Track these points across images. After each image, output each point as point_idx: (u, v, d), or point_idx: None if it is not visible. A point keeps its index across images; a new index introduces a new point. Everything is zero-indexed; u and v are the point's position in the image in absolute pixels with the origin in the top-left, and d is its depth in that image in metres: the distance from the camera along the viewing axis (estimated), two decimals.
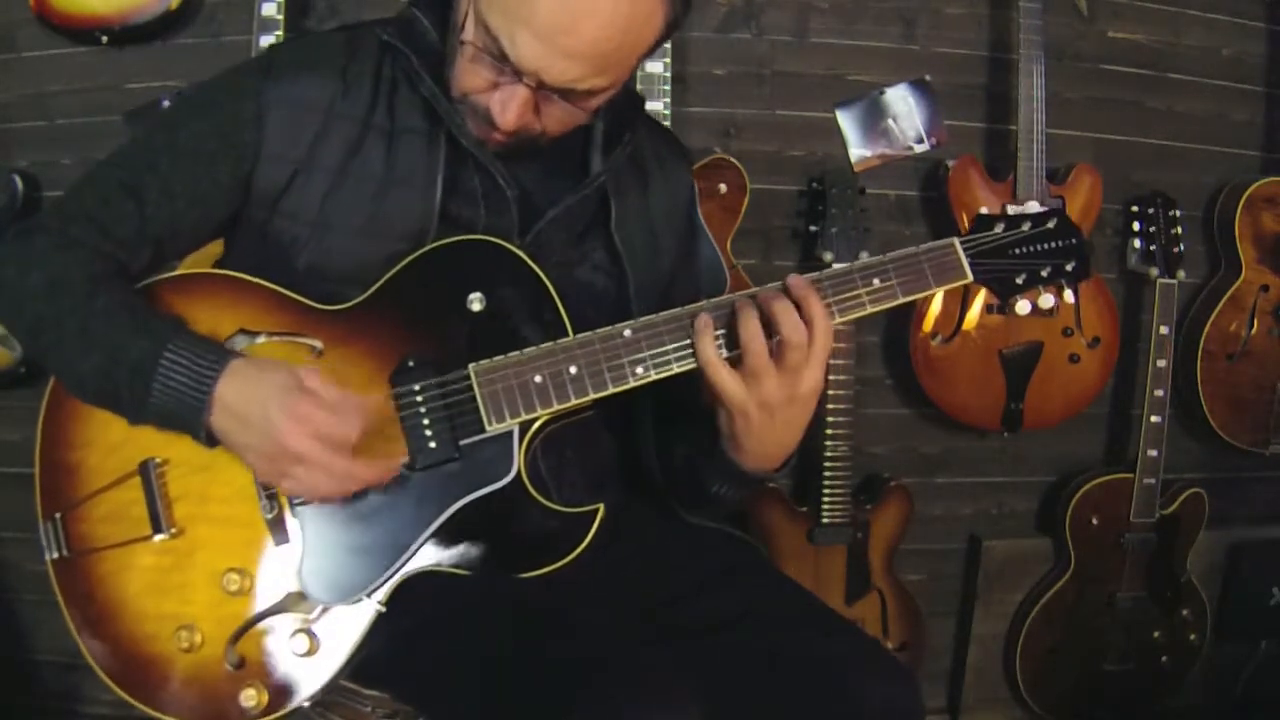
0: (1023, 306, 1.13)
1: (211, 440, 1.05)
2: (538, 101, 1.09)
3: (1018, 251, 1.18)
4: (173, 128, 1.15)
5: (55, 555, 1.12)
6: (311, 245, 1.14)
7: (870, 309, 1.14)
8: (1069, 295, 1.20)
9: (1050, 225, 1.19)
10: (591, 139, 1.25)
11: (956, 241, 1.16)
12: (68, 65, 2.03)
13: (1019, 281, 1.19)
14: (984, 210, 1.22)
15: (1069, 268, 1.19)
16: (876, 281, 1.13)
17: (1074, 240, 1.19)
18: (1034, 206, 1.18)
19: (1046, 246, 1.19)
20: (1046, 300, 1.22)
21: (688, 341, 1.10)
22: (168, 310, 1.11)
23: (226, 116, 1.13)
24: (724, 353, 1.09)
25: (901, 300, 1.15)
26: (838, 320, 1.12)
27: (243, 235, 1.18)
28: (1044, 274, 1.19)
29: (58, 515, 1.12)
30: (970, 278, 1.16)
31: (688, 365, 1.10)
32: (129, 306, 1.08)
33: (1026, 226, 1.18)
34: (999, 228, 1.18)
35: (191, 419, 1.03)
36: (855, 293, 1.13)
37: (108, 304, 1.06)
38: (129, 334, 1.05)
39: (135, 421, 1.07)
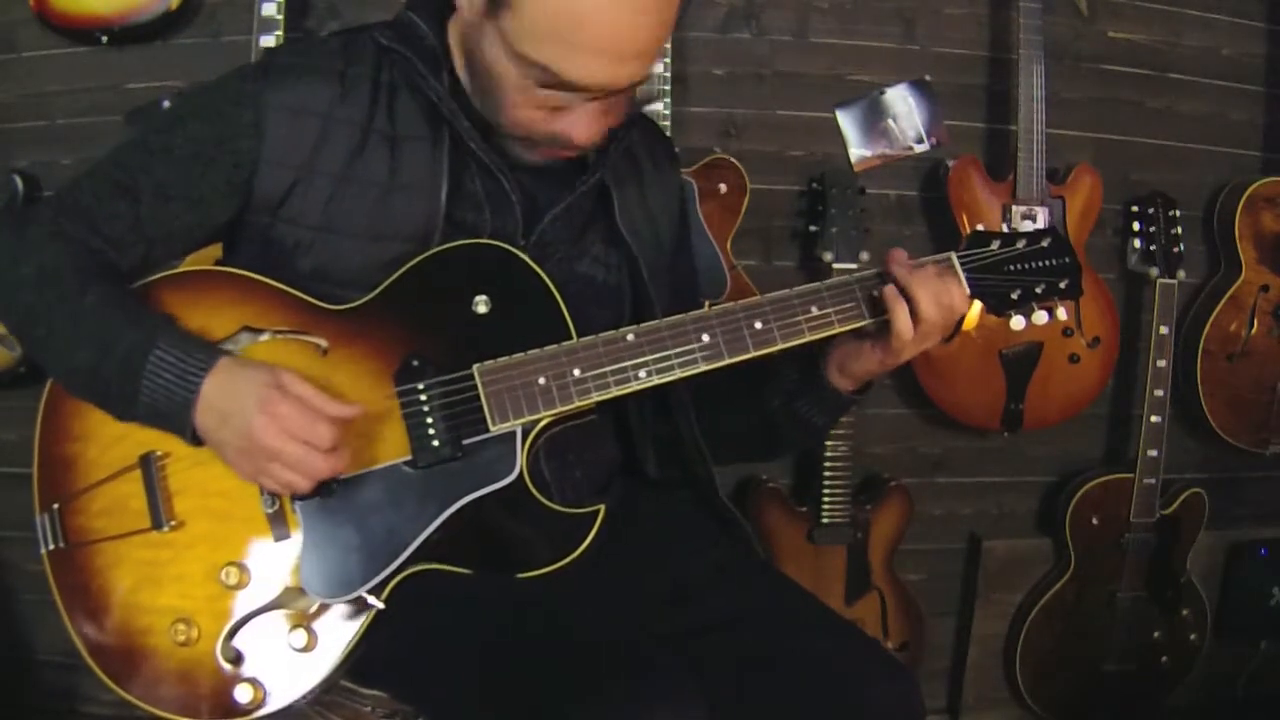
0: (1017, 323, 1.16)
1: (196, 439, 1.05)
2: (607, 106, 1.09)
3: (1012, 268, 1.20)
4: (170, 130, 1.15)
5: (51, 546, 1.11)
6: (315, 249, 1.13)
7: (871, 320, 1.17)
8: (1062, 313, 1.23)
9: (1044, 244, 1.21)
10: None
11: (954, 256, 1.19)
12: (68, 65, 2.03)
13: (1014, 297, 1.21)
14: (980, 227, 1.24)
15: (1062, 285, 1.21)
16: (876, 293, 1.15)
17: (1067, 259, 1.21)
18: (1039, 211, 1.19)
19: (1041, 265, 1.21)
20: (1040, 317, 1.25)
21: (689, 347, 1.12)
22: (173, 306, 1.11)
23: (224, 122, 1.12)
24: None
25: None
26: (838, 329, 1.15)
27: (244, 239, 1.17)
28: (1038, 290, 1.21)
29: (55, 506, 1.12)
30: (967, 292, 1.18)
31: (690, 370, 1.12)
32: (119, 303, 1.08)
33: (1021, 244, 1.20)
34: (995, 244, 1.20)
35: (179, 416, 1.03)
36: (856, 302, 1.16)
37: (97, 299, 1.06)
38: (118, 330, 1.05)
39: (123, 418, 1.07)
